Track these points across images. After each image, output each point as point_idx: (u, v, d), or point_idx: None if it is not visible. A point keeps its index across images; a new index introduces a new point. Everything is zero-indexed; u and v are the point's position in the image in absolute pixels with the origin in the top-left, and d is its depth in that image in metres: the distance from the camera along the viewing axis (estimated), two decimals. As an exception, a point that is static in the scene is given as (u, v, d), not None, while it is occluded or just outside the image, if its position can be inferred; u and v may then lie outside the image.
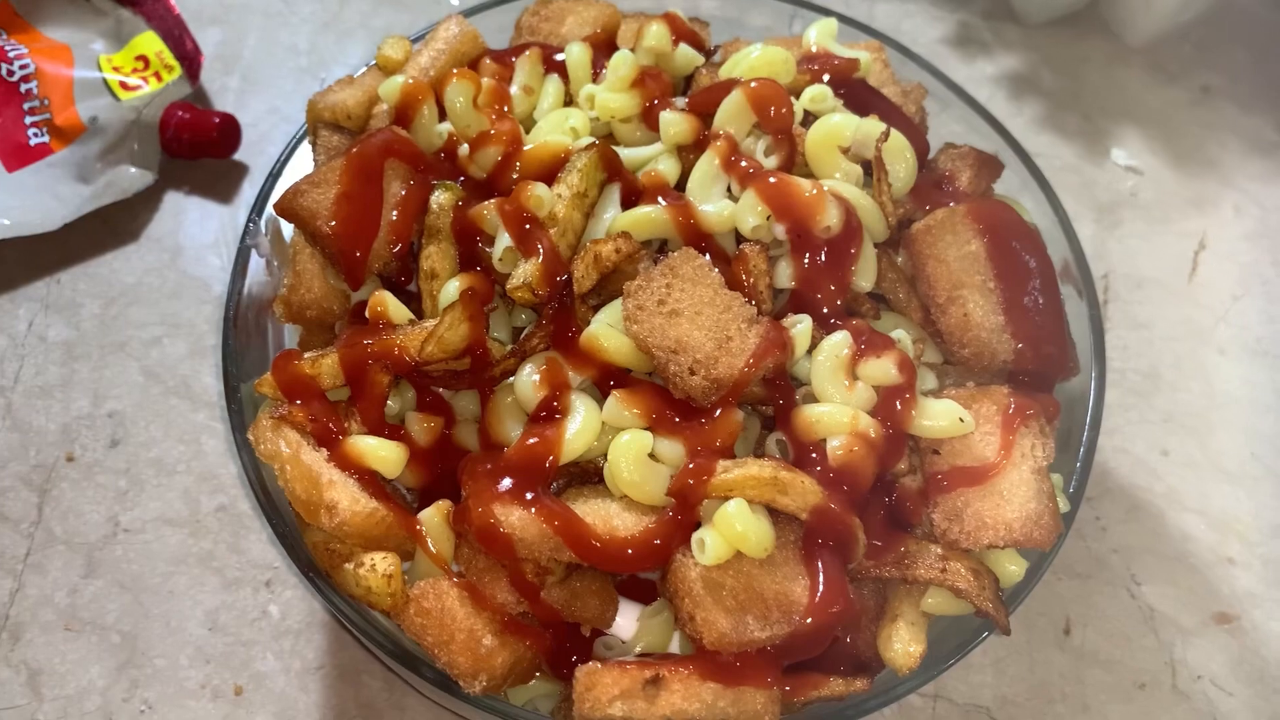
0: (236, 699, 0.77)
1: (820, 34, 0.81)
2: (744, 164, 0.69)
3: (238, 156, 1.01)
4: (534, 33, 0.83)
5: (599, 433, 0.64)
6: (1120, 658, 0.84)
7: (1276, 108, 1.16)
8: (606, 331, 0.65)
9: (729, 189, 0.70)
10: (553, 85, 0.77)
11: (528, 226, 0.67)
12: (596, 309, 0.67)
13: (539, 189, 0.68)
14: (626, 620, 0.66)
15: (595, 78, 0.78)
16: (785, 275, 0.68)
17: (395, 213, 0.69)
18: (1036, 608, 0.85)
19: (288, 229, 0.74)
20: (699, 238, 0.69)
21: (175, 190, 0.99)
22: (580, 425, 0.64)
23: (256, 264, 0.75)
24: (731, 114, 0.71)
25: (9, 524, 0.83)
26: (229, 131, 0.99)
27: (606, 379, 0.66)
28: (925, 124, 0.83)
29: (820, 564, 0.62)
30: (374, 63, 0.80)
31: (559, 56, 0.79)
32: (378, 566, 0.62)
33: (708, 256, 0.66)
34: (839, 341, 0.65)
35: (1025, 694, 0.81)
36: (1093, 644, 0.84)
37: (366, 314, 0.67)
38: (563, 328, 0.67)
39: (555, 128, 0.74)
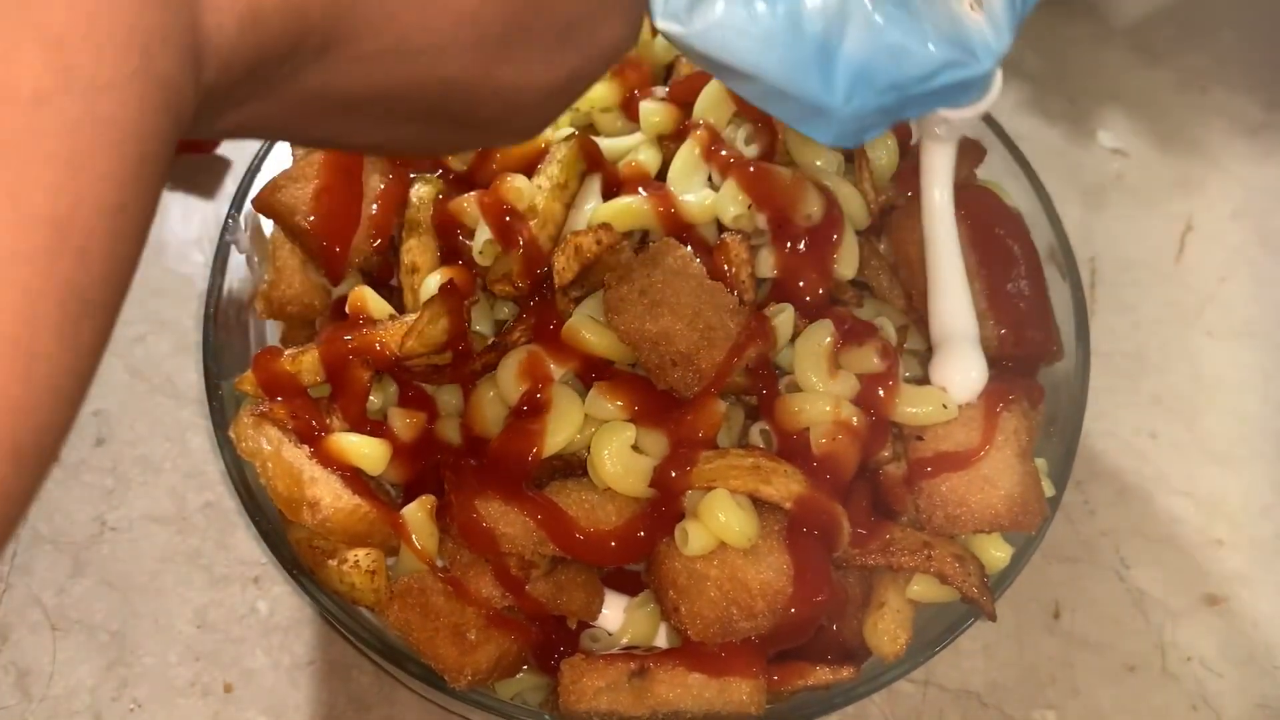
0: (226, 696, 0.77)
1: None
2: (724, 153, 0.69)
3: (220, 151, 1.01)
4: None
5: (581, 425, 0.64)
6: (1110, 641, 0.84)
7: (1262, 88, 1.15)
8: (588, 323, 0.65)
9: (710, 178, 0.70)
10: (532, 77, 0.77)
11: (508, 219, 0.67)
12: (578, 301, 0.67)
13: (519, 181, 0.68)
14: (613, 612, 0.66)
15: (575, 68, 0.77)
16: (767, 264, 0.67)
17: (375, 207, 0.69)
18: (1025, 592, 0.85)
19: (268, 224, 0.74)
20: (680, 228, 0.68)
21: (157, 187, 0.99)
22: (562, 418, 0.63)
23: (237, 260, 0.75)
24: (711, 103, 0.71)
25: (-5, 525, 0.82)
26: (210, 127, 0.98)
27: (589, 371, 0.65)
28: (907, 110, 0.83)
29: (805, 553, 0.62)
30: (353, 56, 0.80)
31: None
32: (361, 563, 0.62)
33: (689, 247, 0.66)
34: (821, 330, 0.65)
35: (1015, 678, 0.82)
36: (1082, 627, 0.84)
37: (347, 309, 0.67)
38: (544, 320, 0.67)
39: (535, 119, 0.73)
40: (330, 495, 0.62)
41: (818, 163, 0.71)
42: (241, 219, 0.75)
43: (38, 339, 0.24)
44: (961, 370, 0.65)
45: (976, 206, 0.71)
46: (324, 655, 0.79)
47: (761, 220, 0.67)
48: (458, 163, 0.72)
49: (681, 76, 0.77)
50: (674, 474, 0.62)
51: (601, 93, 0.74)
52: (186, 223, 0.97)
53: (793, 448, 0.64)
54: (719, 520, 0.59)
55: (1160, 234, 1.05)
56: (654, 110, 0.72)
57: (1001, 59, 0.47)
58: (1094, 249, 1.03)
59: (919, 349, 0.71)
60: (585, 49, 0.38)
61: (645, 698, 0.60)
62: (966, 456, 0.64)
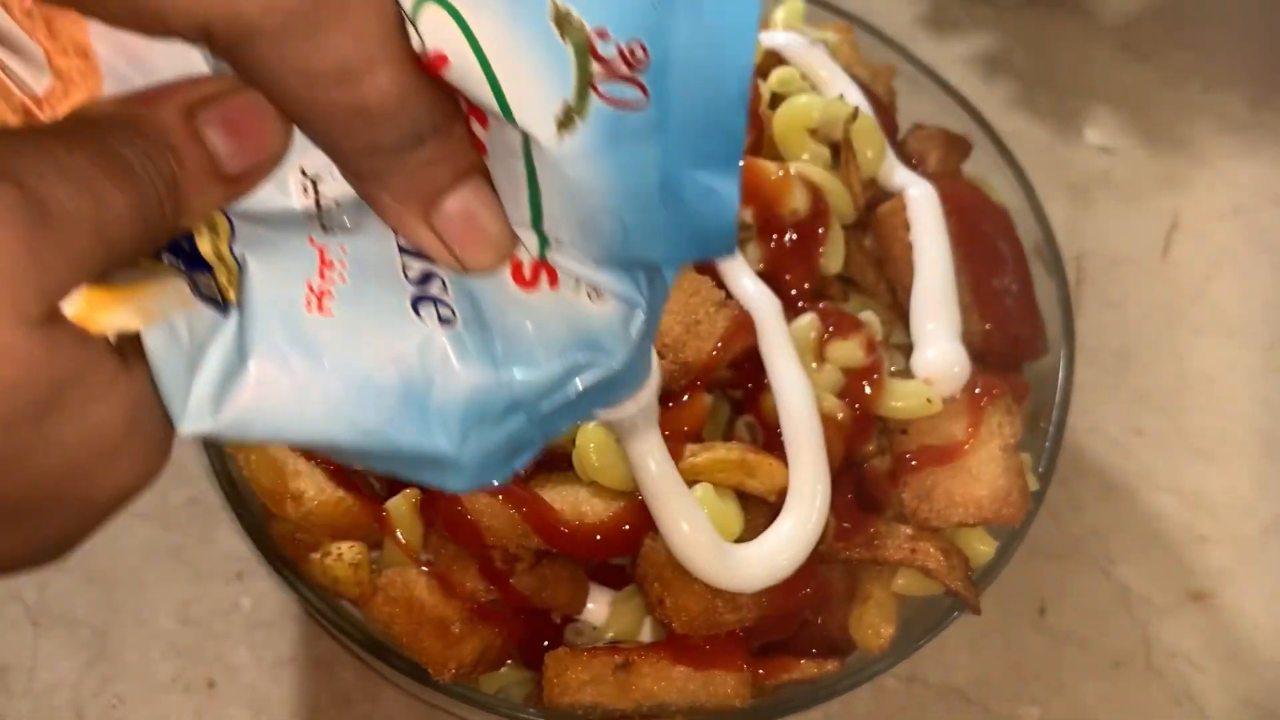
0: (209, 692, 0.77)
1: (788, 14, 0.80)
2: (710, 146, 0.69)
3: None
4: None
5: (566, 419, 0.63)
6: (1095, 637, 0.84)
7: (1248, 86, 1.16)
8: (574, 316, 0.64)
9: (696, 172, 0.70)
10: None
11: (494, 213, 0.66)
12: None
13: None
14: (598, 606, 0.66)
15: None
16: (753, 258, 0.67)
17: (359, 199, 0.69)
18: (1011, 588, 0.84)
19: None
20: (666, 223, 0.68)
21: (142, 180, 0.98)
22: (547, 411, 0.63)
23: (221, 253, 0.74)
24: (698, 97, 0.71)
25: (-24, 519, 0.82)
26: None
27: (574, 365, 0.65)
28: (895, 104, 0.83)
29: (790, 546, 0.61)
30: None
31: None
32: (344, 556, 0.62)
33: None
34: (807, 324, 0.65)
35: (1000, 674, 0.82)
36: (1068, 624, 0.84)
37: (330, 302, 0.67)
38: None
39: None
40: (314, 488, 0.62)
41: (804, 157, 0.71)
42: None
43: None
44: (943, 363, 0.65)
45: (963, 202, 0.71)
46: (307, 651, 0.79)
47: (747, 214, 0.67)
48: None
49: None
50: (660, 466, 0.61)
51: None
52: (171, 217, 0.96)
53: (778, 441, 0.64)
54: (704, 512, 0.59)
55: (1147, 231, 1.06)
56: (641, 104, 0.72)
57: (641, 343, 0.38)
58: (1081, 246, 1.03)
59: (904, 343, 0.71)
60: (86, 503, 0.32)
61: (630, 691, 0.60)
62: (951, 450, 0.64)
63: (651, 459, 0.58)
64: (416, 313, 0.35)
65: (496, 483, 0.36)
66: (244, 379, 0.32)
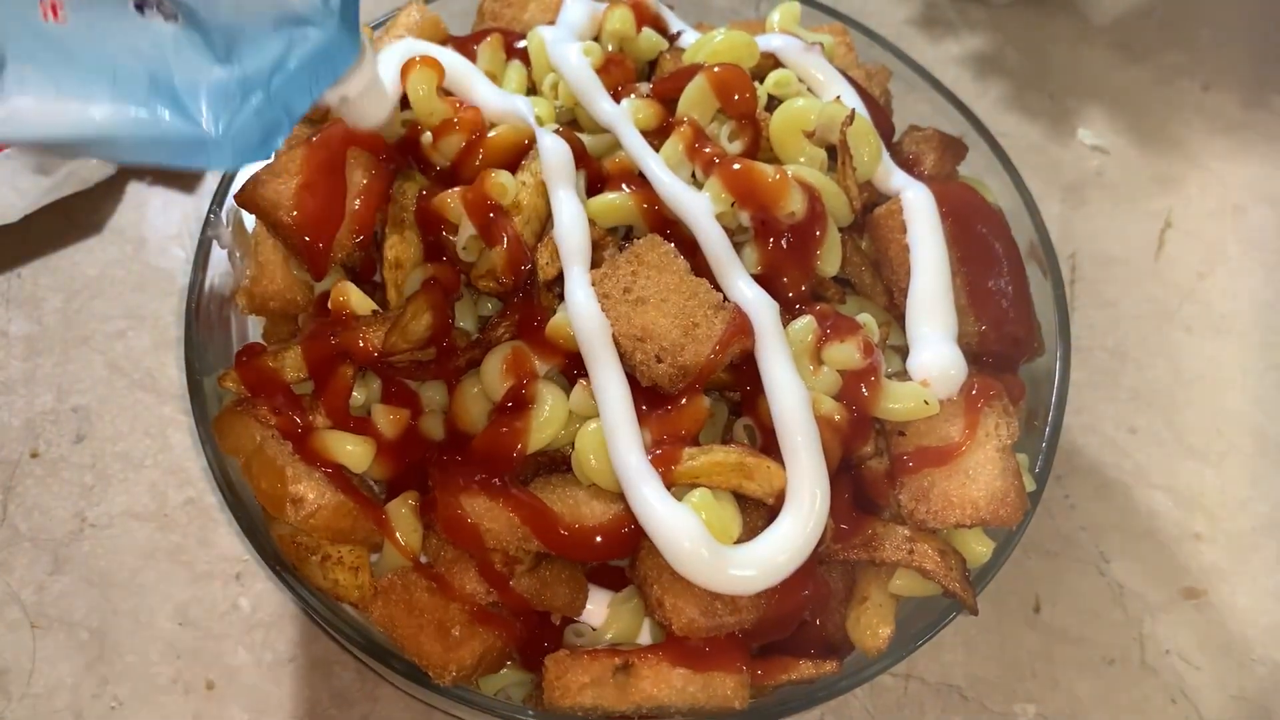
0: (208, 693, 0.77)
1: (783, 17, 0.80)
2: (708, 150, 0.69)
3: (200, 146, 1.00)
4: (496, 18, 0.82)
5: (566, 421, 0.64)
6: (1089, 634, 0.84)
7: (1240, 86, 1.16)
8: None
9: (694, 175, 0.70)
10: (515, 72, 0.77)
11: (491, 215, 0.66)
12: (562, 297, 0.67)
13: (502, 177, 0.67)
14: (597, 608, 0.66)
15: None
16: (750, 261, 0.67)
17: (358, 202, 0.69)
18: (1006, 586, 0.85)
19: (250, 219, 0.73)
20: (664, 225, 0.68)
21: (137, 181, 0.98)
22: (547, 414, 0.63)
23: (218, 255, 0.74)
24: (695, 100, 0.71)
25: (-26, 522, 0.82)
26: (191, 121, 0.98)
27: (573, 367, 0.65)
28: (890, 106, 0.83)
29: (788, 548, 0.62)
30: (335, 50, 0.79)
31: (521, 43, 0.78)
32: (345, 559, 0.62)
33: (673, 244, 0.66)
34: (804, 326, 0.65)
35: (996, 672, 0.82)
36: (1062, 621, 0.85)
37: (329, 305, 0.67)
38: (528, 316, 0.66)
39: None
40: (314, 492, 0.62)
41: (801, 160, 0.71)
42: (223, 214, 0.75)
43: None
44: (940, 365, 0.66)
45: (958, 204, 0.72)
46: (306, 652, 0.79)
47: (745, 218, 0.67)
48: (441, 158, 0.72)
49: (665, 73, 0.77)
50: (658, 470, 0.61)
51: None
52: (166, 217, 0.96)
53: (776, 444, 0.64)
54: (701, 517, 0.59)
55: (1140, 230, 1.06)
56: (638, 107, 0.72)
57: (344, 12, 0.45)
58: (1074, 245, 1.04)
59: (902, 345, 0.71)
60: None
61: (629, 693, 0.60)
62: (948, 452, 0.65)
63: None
64: (141, 12, 0.41)
65: (260, 161, 0.44)
66: (6, 78, 0.38)
